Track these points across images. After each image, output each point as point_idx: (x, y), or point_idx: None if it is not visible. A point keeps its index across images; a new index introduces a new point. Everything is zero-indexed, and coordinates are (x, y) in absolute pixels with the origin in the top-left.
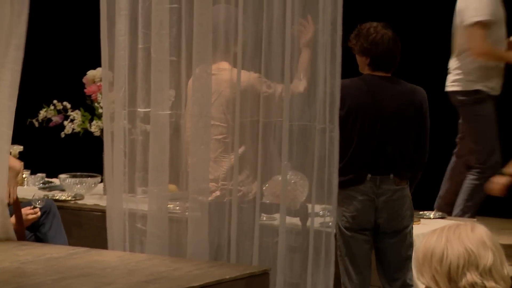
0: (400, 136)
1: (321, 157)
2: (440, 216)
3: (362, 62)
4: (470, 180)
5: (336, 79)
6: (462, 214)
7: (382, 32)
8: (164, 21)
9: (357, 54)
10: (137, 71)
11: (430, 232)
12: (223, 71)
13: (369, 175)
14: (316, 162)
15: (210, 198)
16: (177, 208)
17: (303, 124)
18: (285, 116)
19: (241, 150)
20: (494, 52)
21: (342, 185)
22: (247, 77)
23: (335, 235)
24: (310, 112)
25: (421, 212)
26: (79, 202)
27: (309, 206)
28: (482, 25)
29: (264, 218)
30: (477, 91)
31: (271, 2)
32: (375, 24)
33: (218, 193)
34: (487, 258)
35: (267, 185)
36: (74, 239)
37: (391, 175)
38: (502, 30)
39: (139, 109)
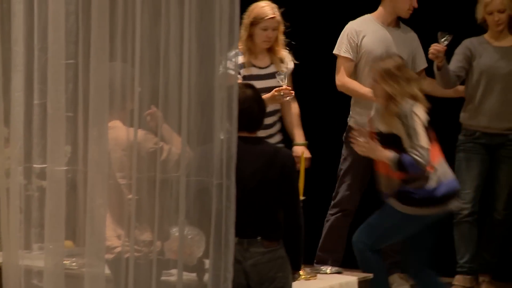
0: (262, 198)
1: (218, 213)
2: (336, 271)
3: None
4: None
5: (233, 134)
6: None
7: (240, 92)
8: (60, 76)
9: None
10: (33, 127)
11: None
12: (115, 129)
13: (237, 238)
14: (213, 217)
15: (107, 255)
16: (74, 264)
17: (200, 180)
18: (182, 171)
19: (138, 206)
20: (348, 86)
21: None
22: (132, 133)
23: None
24: (207, 167)
25: (319, 267)
26: None
27: (206, 261)
28: (340, 57)
29: (162, 274)
30: (348, 128)
31: (167, 57)
32: (241, 84)
33: (118, 249)
34: None
35: (164, 241)
36: None
37: (259, 238)
38: None
39: (35, 165)
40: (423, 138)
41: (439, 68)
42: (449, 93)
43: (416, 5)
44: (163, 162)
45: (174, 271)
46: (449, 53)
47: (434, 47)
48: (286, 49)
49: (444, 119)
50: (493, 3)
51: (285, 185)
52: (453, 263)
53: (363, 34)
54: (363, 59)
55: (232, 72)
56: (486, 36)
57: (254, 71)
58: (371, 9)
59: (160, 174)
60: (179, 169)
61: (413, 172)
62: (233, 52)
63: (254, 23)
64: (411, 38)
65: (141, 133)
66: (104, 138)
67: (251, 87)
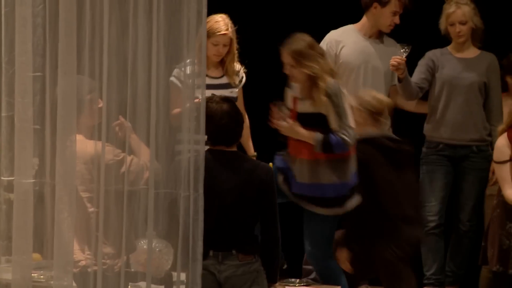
0: (239, 212)
1: (186, 225)
2: (304, 284)
3: None
4: None
5: (200, 147)
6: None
7: (217, 106)
8: (28, 89)
9: None
10: (0, 139)
11: None
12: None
13: (212, 251)
14: (181, 230)
15: (75, 268)
16: (42, 277)
17: (168, 192)
18: (150, 184)
19: (105, 218)
20: None
21: None
22: (92, 146)
23: None
24: (175, 179)
25: (288, 279)
26: None
27: (174, 274)
28: None
29: (129, 287)
30: None
31: (135, 69)
32: (217, 98)
33: (83, 262)
34: None
35: (133, 254)
36: None
37: (234, 251)
38: (359, 79)
39: (2, 178)
40: (351, 118)
41: (400, 80)
42: (424, 108)
43: (398, 21)
44: (124, 174)
45: (142, 283)
46: (413, 64)
47: (395, 59)
48: (240, 62)
49: (409, 132)
50: (455, 15)
51: (263, 201)
52: (420, 275)
53: (342, 44)
54: (341, 69)
55: (177, 82)
56: (449, 47)
57: (207, 81)
58: (356, 19)
59: (126, 186)
60: (142, 181)
61: (338, 152)
62: (187, 61)
63: (207, 36)
64: (393, 50)
65: (100, 145)
66: (71, 150)
67: (228, 101)
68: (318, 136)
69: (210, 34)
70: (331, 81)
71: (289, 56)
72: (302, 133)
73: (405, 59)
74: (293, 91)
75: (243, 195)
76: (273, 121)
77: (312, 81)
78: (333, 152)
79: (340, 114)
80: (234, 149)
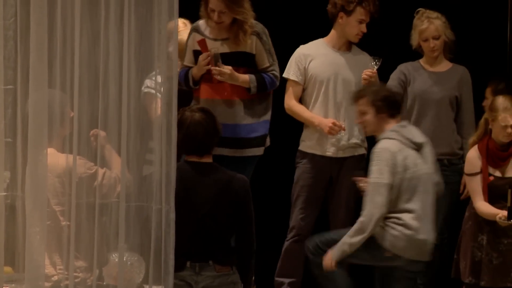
0: (214, 224)
1: (158, 238)
2: None
3: None
4: None
5: (171, 160)
6: None
7: (189, 115)
8: None
9: None
10: None
11: None
12: (49, 156)
13: (188, 262)
14: (152, 243)
15: (47, 282)
16: None
17: (139, 205)
18: (122, 197)
19: (77, 231)
20: (293, 109)
21: None
22: (64, 159)
23: None
24: (146, 192)
25: None
26: None
27: (146, 287)
28: (289, 81)
29: None
30: (298, 152)
31: (107, 82)
32: (194, 107)
33: (55, 277)
34: None
35: (102, 266)
36: None
37: (210, 262)
38: (329, 91)
39: None
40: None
41: None
42: None
43: (365, 30)
44: (98, 187)
45: None
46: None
47: (366, 73)
48: None
49: None
50: (428, 30)
51: (239, 212)
52: None
53: (311, 57)
54: (310, 82)
55: (153, 91)
56: (421, 61)
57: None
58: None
59: (98, 199)
60: (114, 194)
61: (269, 90)
62: (153, 72)
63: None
64: (363, 60)
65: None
66: (43, 164)
67: (204, 111)
68: (252, 78)
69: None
70: (255, 22)
71: (221, 3)
72: (239, 77)
73: (376, 71)
74: (201, 34)
75: (219, 206)
76: (213, 69)
77: (240, 24)
78: (267, 91)
79: (270, 51)
80: (209, 160)
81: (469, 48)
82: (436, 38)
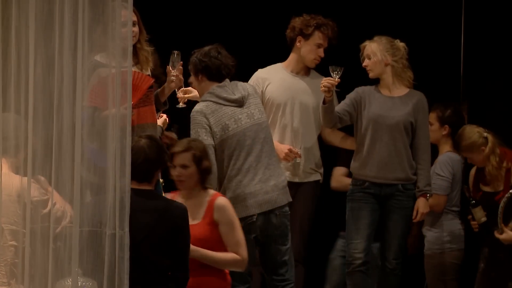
0: (150, 251)
1: (111, 263)
2: None
3: None
4: None
5: (125, 185)
6: None
7: (134, 141)
8: None
9: None
10: None
11: None
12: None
13: None
14: (106, 268)
15: None
16: None
17: (93, 230)
18: (75, 222)
19: (32, 256)
20: None
21: None
22: (19, 182)
23: None
24: (100, 217)
25: None
26: None
27: None
28: None
29: None
30: None
31: (61, 107)
32: (143, 134)
33: None
34: None
35: None
36: None
37: None
38: (286, 115)
39: None
40: None
41: (325, 102)
42: (347, 144)
43: (322, 54)
44: (49, 213)
45: None
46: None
47: (327, 81)
48: None
49: None
50: (365, 48)
51: (175, 240)
52: None
53: (268, 81)
54: (267, 106)
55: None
56: (379, 85)
57: None
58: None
59: (52, 224)
60: (67, 219)
61: None
62: None
63: None
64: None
65: (27, 181)
66: None
67: (151, 139)
68: None
69: None
70: None
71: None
72: None
73: (338, 80)
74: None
75: (155, 234)
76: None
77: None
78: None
79: None
80: (148, 187)
81: (426, 74)
82: (368, 57)
